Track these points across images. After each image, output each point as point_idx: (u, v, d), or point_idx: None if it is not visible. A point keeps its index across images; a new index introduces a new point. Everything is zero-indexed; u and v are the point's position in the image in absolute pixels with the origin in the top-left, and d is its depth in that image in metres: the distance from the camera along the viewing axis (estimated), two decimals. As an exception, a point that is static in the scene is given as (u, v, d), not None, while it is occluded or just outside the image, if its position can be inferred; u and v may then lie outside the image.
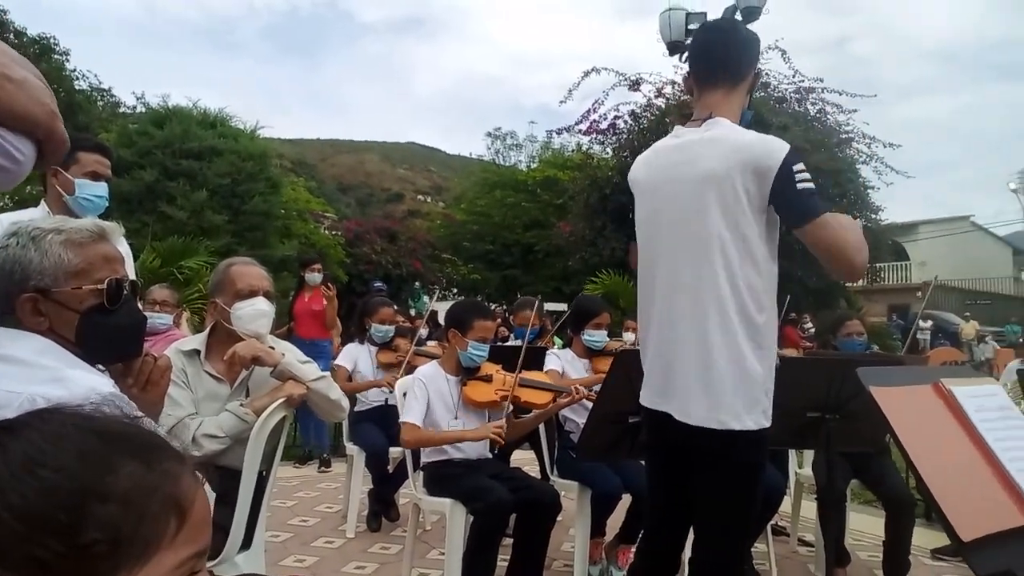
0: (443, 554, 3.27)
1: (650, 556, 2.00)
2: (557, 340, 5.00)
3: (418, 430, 2.90)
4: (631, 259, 2.22)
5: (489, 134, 41.88)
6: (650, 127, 11.99)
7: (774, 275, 1.79)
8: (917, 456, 1.45)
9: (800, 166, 1.69)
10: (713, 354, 1.73)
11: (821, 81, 11.81)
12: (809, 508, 3.80)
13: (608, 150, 13.66)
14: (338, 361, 4.46)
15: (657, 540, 1.99)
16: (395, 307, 9.94)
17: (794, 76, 11.75)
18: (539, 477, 3.87)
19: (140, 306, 3.56)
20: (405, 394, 3.10)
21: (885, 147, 11.65)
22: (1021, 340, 16.99)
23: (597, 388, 3.25)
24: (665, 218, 1.85)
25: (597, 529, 3.36)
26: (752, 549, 3.38)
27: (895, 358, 3.34)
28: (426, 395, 2.98)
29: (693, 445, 1.77)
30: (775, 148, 1.70)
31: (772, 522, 3.57)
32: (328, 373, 2.36)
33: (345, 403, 2.36)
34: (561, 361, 3.54)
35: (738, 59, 1.87)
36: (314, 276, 5.94)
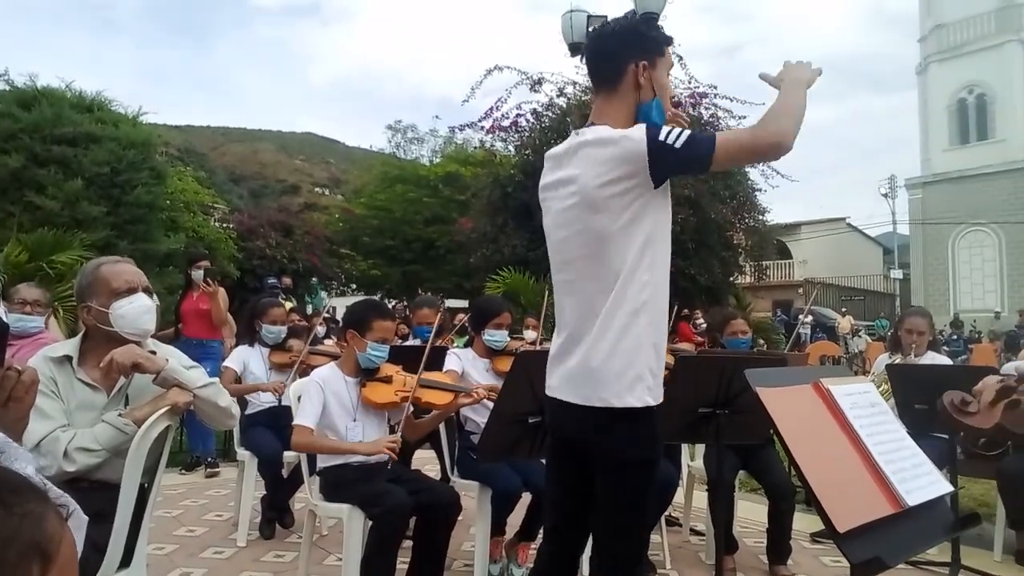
0: (340, 559, 3.19)
1: (550, 557, 2.01)
2: (458, 340, 4.97)
3: (309, 434, 2.81)
4: None
5: (390, 127, 41.27)
6: (552, 126, 12.13)
7: (661, 265, 1.79)
8: (798, 452, 1.53)
9: (665, 131, 1.67)
10: (590, 341, 1.76)
11: (715, 88, 12.32)
12: (700, 499, 3.96)
13: (510, 148, 13.72)
14: (226, 363, 4.26)
15: (557, 541, 2.00)
16: (290, 304, 9.57)
17: (689, 82, 12.20)
18: (440, 477, 3.85)
19: (4, 306, 3.26)
20: (300, 397, 3.00)
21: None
22: (888, 334, 18.44)
23: (496, 382, 3.26)
24: (552, 220, 1.90)
25: (497, 528, 3.37)
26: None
27: (780, 356, 3.53)
28: (322, 397, 2.89)
29: (573, 424, 1.80)
30: (634, 137, 1.70)
31: (666, 513, 3.70)
32: (216, 379, 2.24)
33: (235, 410, 2.25)
34: (462, 361, 3.52)
35: (607, 61, 1.87)
36: (200, 273, 5.64)
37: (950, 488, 1.73)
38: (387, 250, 23.42)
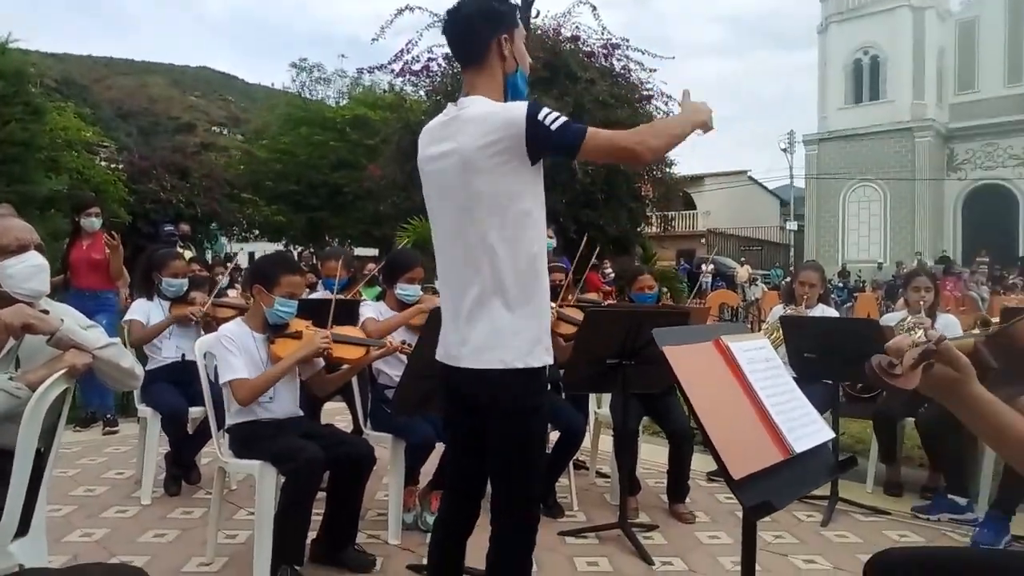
0: (252, 513, 3.16)
1: (452, 506, 2.09)
2: (366, 292, 4.89)
3: (248, 382, 2.76)
4: None
5: (294, 65, 39.15)
6: (464, 72, 11.93)
7: (537, 235, 1.89)
8: (699, 407, 1.63)
9: (544, 111, 1.78)
10: (481, 308, 1.85)
11: (627, 41, 12.39)
12: (606, 442, 4.14)
13: (421, 92, 13.42)
14: (130, 316, 4.06)
15: (458, 490, 2.09)
16: (190, 253, 9.11)
17: (603, 32, 12.22)
18: (351, 428, 3.85)
19: None
20: (206, 355, 2.91)
21: (680, 105, 12.57)
22: (783, 283, 19.53)
23: (410, 339, 3.27)
24: (435, 190, 1.95)
25: (411, 477, 3.42)
26: (555, 484, 3.65)
27: (683, 310, 3.69)
28: (238, 348, 2.82)
29: (472, 388, 1.88)
30: (515, 110, 1.80)
31: (573, 458, 3.85)
32: (117, 339, 2.14)
33: (139, 371, 2.17)
34: (375, 311, 3.50)
35: (470, 40, 1.93)
36: (92, 221, 5.28)
37: (831, 435, 1.89)
38: (291, 195, 22.64)
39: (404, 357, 3.13)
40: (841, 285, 19.27)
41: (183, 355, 3.93)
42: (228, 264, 9.14)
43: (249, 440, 2.82)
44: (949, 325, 4.01)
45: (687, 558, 3.07)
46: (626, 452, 3.48)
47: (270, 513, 2.68)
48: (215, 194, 18.46)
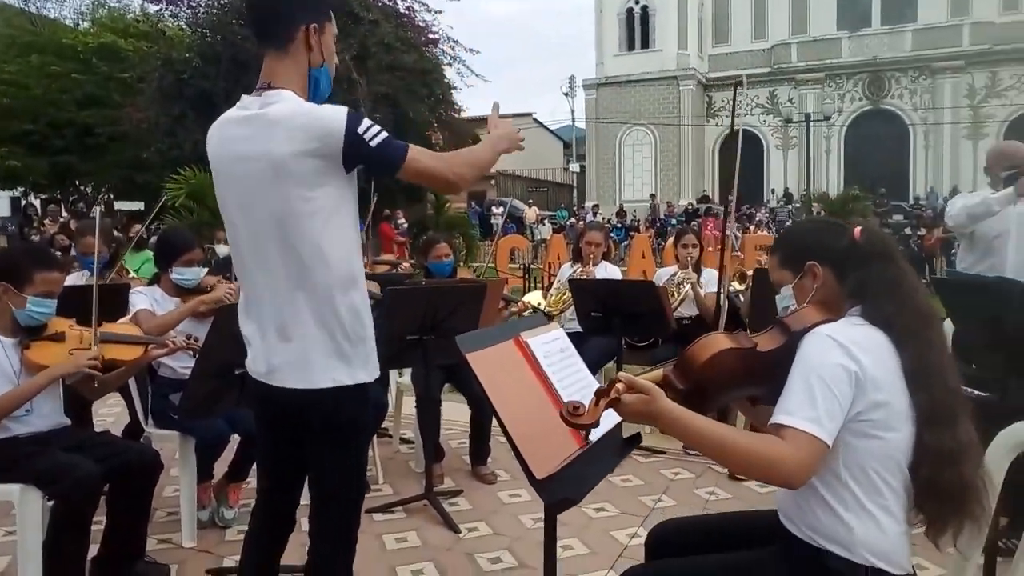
0: (10, 534, 2.81)
1: (265, 518, 2.00)
2: (133, 261, 4.36)
3: None
4: None
5: (15, -26, 32.75)
6: (232, 4, 10.89)
7: (352, 238, 1.81)
8: (503, 411, 1.69)
9: (365, 124, 1.69)
10: (300, 322, 1.74)
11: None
12: (409, 404, 4.16)
13: (183, 24, 12.08)
14: None
15: (272, 502, 2.00)
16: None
17: (383, -31, 11.75)
18: (127, 425, 3.53)
19: None
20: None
21: (467, 51, 12.62)
22: (567, 223, 20.69)
23: (195, 331, 3.02)
24: (235, 195, 1.78)
25: (204, 473, 3.21)
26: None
27: (479, 284, 3.72)
28: None
29: (295, 407, 1.80)
30: (333, 120, 1.67)
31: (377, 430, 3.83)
32: None
33: None
34: (149, 298, 3.17)
35: (275, 19, 1.75)
36: None
37: (619, 418, 2.05)
38: (26, 136, 19.34)
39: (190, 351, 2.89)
40: (619, 225, 20.81)
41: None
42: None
43: (4, 461, 2.45)
44: (710, 280, 4.50)
45: (491, 521, 3.23)
46: (430, 422, 3.54)
47: (37, 542, 2.38)
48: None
